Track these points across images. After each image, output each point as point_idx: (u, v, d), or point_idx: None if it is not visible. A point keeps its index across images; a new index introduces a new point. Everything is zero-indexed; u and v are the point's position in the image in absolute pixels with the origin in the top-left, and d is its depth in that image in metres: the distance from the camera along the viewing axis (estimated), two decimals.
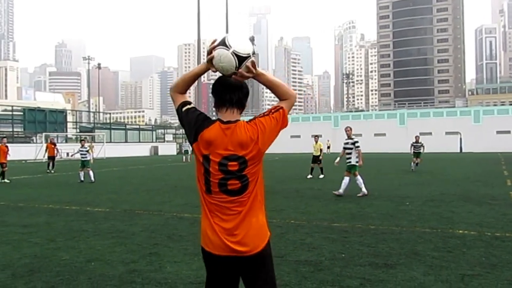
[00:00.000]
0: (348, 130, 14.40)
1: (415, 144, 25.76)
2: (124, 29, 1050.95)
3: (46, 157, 29.91)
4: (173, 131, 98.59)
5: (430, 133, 69.34)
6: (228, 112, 2.75)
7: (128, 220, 9.97)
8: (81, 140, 23.34)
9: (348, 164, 13.95)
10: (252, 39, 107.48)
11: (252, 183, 2.69)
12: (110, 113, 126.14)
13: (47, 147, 29.99)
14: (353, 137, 14.24)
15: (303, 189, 15.88)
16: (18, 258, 6.68)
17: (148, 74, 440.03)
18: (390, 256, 6.47)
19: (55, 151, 28.67)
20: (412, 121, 71.55)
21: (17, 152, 47.91)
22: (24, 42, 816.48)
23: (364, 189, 13.76)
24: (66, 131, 67.56)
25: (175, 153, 75.07)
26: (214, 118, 2.80)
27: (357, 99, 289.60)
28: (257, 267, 2.75)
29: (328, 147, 62.45)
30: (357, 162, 13.90)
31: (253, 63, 2.66)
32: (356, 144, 14.00)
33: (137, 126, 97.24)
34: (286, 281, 5.40)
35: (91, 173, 20.21)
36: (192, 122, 2.73)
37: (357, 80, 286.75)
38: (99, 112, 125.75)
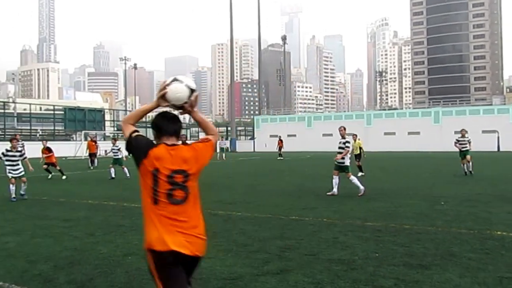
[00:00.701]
0: (341, 130, 14.38)
1: (460, 140, 21.65)
2: (159, 30, 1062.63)
3: (87, 154, 30.68)
4: None
5: (467, 132, 67.83)
6: (170, 140, 3.27)
7: None
8: (112, 139, 24.02)
9: (341, 164, 13.85)
10: (283, 38, 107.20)
11: (192, 195, 3.25)
12: None
13: (88, 145, 30.77)
14: (346, 137, 14.09)
15: None
16: (60, 250, 6.83)
17: (182, 74, 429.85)
18: (425, 256, 6.36)
19: (96, 148, 29.58)
20: (447, 119, 70.17)
21: (58, 149, 48.97)
22: (65, 45, 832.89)
23: (362, 187, 13.60)
24: (104, 129, 68.75)
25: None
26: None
27: (391, 97, 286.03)
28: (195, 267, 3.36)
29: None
30: (350, 162, 13.93)
31: (196, 97, 3.33)
32: (346, 144, 13.91)
33: None
34: (318, 279, 5.37)
35: (125, 170, 20.57)
36: (143, 144, 3.22)
37: (390, 78, 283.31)
38: None
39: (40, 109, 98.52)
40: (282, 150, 43.69)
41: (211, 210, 10.88)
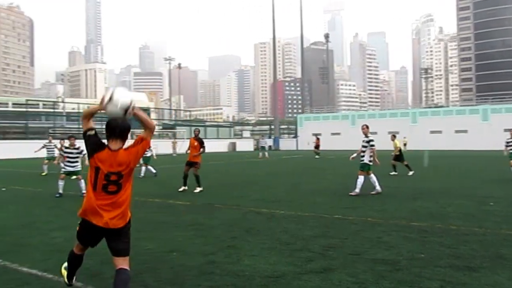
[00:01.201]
0: (364, 128, 13.92)
1: (509, 141, 19.27)
2: (202, 30, 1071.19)
3: None
4: (250, 127, 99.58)
5: None
6: (115, 142, 4.29)
7: (208, 213, 10.17)
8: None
9: (361, 162, 13.56)
10: (326, 36, 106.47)
11: (124, 188, 4.28)
12: (190, 111, 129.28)
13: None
14: (369, 135, 13.74)
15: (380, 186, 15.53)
16: (106, 246, 6.97)
17: (225, 73, 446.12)
18: (472, 258, 6.19)
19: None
20: (496, 117, 68.17)
21: None
22: (111, 46, 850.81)
23: (378, 187, 13.42)
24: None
25: (252, 149, 75.74)
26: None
27: (436, 95, 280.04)
28: (119, 236, 4.39)
29: (405, 144, 60.90)
30: (370, 161, 13.49)
31: (133, 108, 4.38)
32: (371, 143, 13.54)
33: (216, 123, 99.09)
34: (362, 279, 5.31)
35: (150, 168, 21.46)
36: (93, 145, 4.25)
37: (436, 75, 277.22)
38: (180, 109, 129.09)
39: (88, 108, 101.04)
40: (320, 148, 43.44)
41: (254, 208, 10.92)
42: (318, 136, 45.98)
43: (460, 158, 36.33)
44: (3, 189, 15.39)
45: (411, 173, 21.04)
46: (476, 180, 18.14)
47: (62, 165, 14.14)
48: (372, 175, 13.56)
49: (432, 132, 69.76)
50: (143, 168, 21.49)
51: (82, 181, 13.59)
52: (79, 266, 4.80)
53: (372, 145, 13.51)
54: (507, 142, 19.33)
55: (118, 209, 4.26)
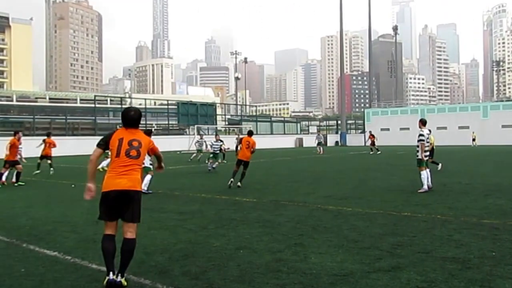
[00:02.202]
0: (419, 123, 13.69)
1: None
2: (268, 23, 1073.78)
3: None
4: (317, 123, 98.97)
5: None
6: (131, 128, 5.31)
7: (274, 210, 10.25)
8: (215, 135, 25.99)
9: (416, 158, 13.40)
10: (395, 29, 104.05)
11: (141, 157, 5.28)
12: (256, 106, 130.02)
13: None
14: (422, 130, 13.37)
15: (451, 183, 15.14)
16: (174, 243, 7.19)
17: (292, 67, 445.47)
18: None
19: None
20: None
21: (172, 143, 51.20)
22: (177, 40, 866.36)
23: (425, 186, 13.02)
24: (216, 124, 70.71)
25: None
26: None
27: (509, 88, 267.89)
28: (132, 202, 5.14)
29: (474, 140, 58.74)
30: (424, 156, 13.19)
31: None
32: (419, 138, 13.24)
33: (282, 118, 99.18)
34: (432, 278, 5.24)
35: (215, 164, 22.21)
36: (104, 137, 5.32)
37: (508, 68, 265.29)
38: (246, 104, 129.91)
39: (155, 103, 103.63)
40: (376, 144, 42.13)
41: (321, 205, 10.92)
42: (373, 133, 44.58)
43: None
44: (73, 186, 16.09)
45: (439, 167, 20.53)
46: None
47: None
48: (424, 172, 13.17)
49: (504, 126, 66.86)
50: (210, 163, 22.19)
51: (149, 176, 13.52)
52: (114, 253, 5.04)
53: (419, 140, 13.21)
54: None
55: (136, 173, 5.20)
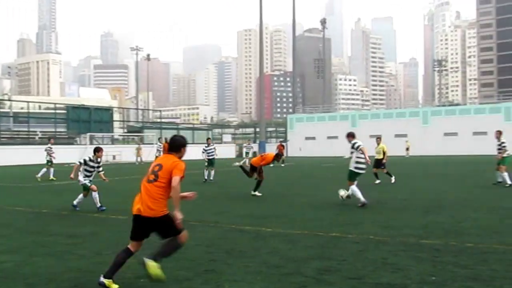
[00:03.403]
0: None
1: (497, 144, 20.45)
2: (175, 15, 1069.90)
3: (138, 159, 32.02)
4: (232, 130, 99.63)
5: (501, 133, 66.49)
6: (171, 153, 6.51)
7: None
8: (207, 139, 29.16)
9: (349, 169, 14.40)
10: (323, 22, 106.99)
11: (159, 180, 6.25)
12: (160, 111, 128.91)
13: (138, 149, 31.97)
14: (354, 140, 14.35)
15: (385, 199, 15.68)
16: (62, 271, 6.98)
17: (203, 66, 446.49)
18: (492, 280, 6.29)
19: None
20: None
21: (59, 154, 49.63)
22: (67, 33, 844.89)
23: (362, 198, 13.75)
24: (113, 131, 69.49)
25: (234, 156, 75.72)
26: None
27: (452, 91, 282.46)
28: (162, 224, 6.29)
29: (407, 149, 61.16)
30: (355, 168, 14.18)
31: None
32: (356, 145, 14.20)
33: (191, 125, 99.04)
34: None
35: (212, 172, 25.68)
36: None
37: (451, 68, 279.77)
38: (148, 109, 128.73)
39: (39, 107, 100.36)
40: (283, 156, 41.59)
41: (236, 225, 10.96)
42: (283, 144, 44.38)
43: (479, 165, 36.67)
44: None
45: (393, 180, 22.20)
46: (497, 189, 18.37)
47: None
48: (354, 186, 14.01)
49: (446, 134, 70.37)
50: (206, 171, 25.93)
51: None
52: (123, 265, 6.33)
53: (359, 146, 14.04)
54: (500, 144, 20.14)
55: (150, 198, 6.20)
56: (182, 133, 76.40)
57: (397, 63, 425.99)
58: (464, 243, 8.64)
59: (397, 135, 69.38)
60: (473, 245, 8.46)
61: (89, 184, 14.11)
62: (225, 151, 76.65)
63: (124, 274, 6.84)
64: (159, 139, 34.61)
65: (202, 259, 7.68)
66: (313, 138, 76.64)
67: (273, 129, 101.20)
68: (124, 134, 73.41)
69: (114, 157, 58.10)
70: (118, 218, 12.30)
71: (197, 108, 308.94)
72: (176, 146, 6.54)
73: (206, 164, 26.21)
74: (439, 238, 9.16)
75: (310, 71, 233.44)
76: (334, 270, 6.88)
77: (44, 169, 27.75)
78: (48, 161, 28.31)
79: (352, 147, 14.13)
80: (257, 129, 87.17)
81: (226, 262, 7.49)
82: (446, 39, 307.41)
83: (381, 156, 23.05)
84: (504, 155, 19.90)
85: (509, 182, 19.38)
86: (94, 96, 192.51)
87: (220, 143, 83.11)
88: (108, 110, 70.49)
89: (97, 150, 14.44)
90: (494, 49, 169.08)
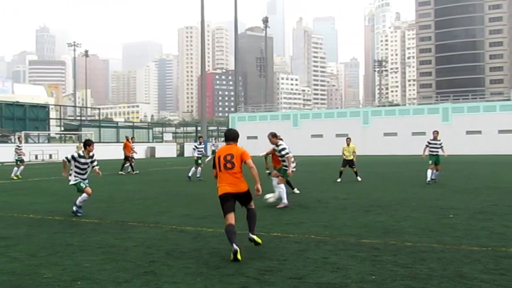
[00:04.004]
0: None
1: (432, 143, 21.83)
2: (115, 11, 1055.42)
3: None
4: (173, 129, 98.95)
5: (480, 132, 68.89)
6: (230, 143, 8.44)
7: (121, 233, 10.09)
8: (199, 137, 29.19)
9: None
10: (265, 21, 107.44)
11: (236, 167, 8.18)
12: (99, 108, 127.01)
13: (125, 145, 31.73)
14: (278, 145, 14.65)
15: (326, 199, 15.86)
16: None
17: (143, 63, 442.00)
18: (430, 279, 6.43)
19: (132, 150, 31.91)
20: (458, 117, 71.12)
21: None
22: (0, 27, 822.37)
23: (285, 200, 14.06)
24: (49, 129, 68.08)
25: (175, 155, 75.29)
26: None
27: (392, 91, 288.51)
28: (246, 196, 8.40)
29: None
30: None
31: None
32: (283, 152, 14.48)
33: (131, 124, 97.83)
34: None
35: (199, 169, 25.69)
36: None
37: (391, 69, 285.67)
38: (86, 107, 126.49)
39: None
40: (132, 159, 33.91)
41: (177, 226, 10.89)
42: (129, 139, 34.55)
43: (417, 165, 37.50)
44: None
45: (359, 179, 22.97)
46: (435, 189, 18.81)
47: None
48: (282, 185, 14.37)
49: (386, 134, 71.87)
50: (193, 169, 25.69)
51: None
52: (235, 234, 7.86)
53: (287, 153, 14.35)
54: (429, 143, 21.86)
55: (237, 180, 8.19)
56: (122, 131, 75.48)
57: (338, 63, 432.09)
58: (403, 242, 8.82)
59: (338, 135, 70.35)
60: (412, 244, 8.65)
61: (83, 186, 12.64)
62: (166, 150, 76.22)
63: (61, 276, 6.72)
64: (130, 138, 34.15)
65: (142, 261, 7.59)
66: (255, 137, 76.88)
67: (215, 128, 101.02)
68: (61, 132, 71.93)
69: (50, 156, 56.98)
70: (54, 219, 12.06)
71: (137, 106, 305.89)
72: (235, 137, 8.45)
73: (196, 162, 25.78)
74: (379, 238, 9.31)
75: (252, 70, 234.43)
76: (275, 270, 6.91)
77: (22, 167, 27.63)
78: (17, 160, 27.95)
79: (279, 152, 14.35)
80: (199, 128, 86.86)
81: (166, 263, 7.43)
82: (386, 40, 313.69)
83: (351, 157, 23.40)
84: (434, 153, 21.52)
85: (429, 179, 21.14)
86: (30, 93, 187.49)
87: (161, 142, 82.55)
88: (44, 108, 69.01)
89: (88, 144, 12.86)
90: (433, 50, 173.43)
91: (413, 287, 6.07)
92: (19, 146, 28.49)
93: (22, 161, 27.92)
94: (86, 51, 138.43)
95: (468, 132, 68.84)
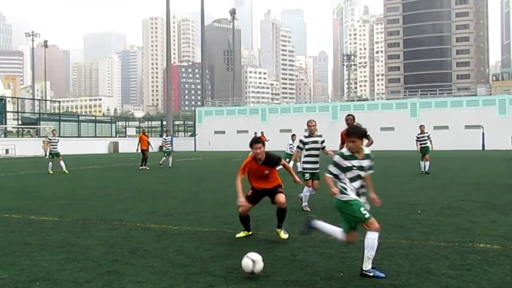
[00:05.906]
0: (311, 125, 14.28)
1: (420, 137, 25.31)
2: (76, 0, 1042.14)
3: (138, 150, 31.82)
4: (137, 123, 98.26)
5: (447, 127, 69.90)
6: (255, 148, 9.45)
7: (82, 231, 9.98)
8: (166, 131, 31.70)
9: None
10: (232, 13, 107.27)
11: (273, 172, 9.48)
12: (59, 101, 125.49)
13: (140, 139, 31.59)
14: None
15: (294, 196, 15.90)
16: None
17: (106, 54, 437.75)
18: (398, 275, 6.53)
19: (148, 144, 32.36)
20: (426, 112, 72.06)
21: None
22: None
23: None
24: (5, 123, 67.04)
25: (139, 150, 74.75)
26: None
27: (360, 86, 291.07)
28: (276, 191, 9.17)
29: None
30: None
31: None
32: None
33: (93, 118, 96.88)
34: None
35: (170, 159, 30.61)
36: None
37: (360, 63, 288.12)
38: (46, 99, 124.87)
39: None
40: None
41: (141, 223, 10.83)
42: (145, 132, 36.90)
43: (385, 160, 37.99)
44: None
45: None
46: (403, 185, 19.07)
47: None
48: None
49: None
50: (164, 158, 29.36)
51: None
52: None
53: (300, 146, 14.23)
54: (418, 138, 25.10)
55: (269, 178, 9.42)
56: (83, 125, 74.82)
57: (307, 57, 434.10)
58: None
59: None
60: (380, 241, 8.66)
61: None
62: (130, 145, 75.60)
63: (19, 277, 6.63)
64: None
65: (104, 260, 7.52)
66: (223, 132, 76.93)
67: (181, 122, 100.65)
68: (18, 126, 70.85)
69: (7, 151, 56.05)
70: (11, 217, 11.89)
71: (100, 100, 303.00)
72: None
73: (164, 153, 32.24)
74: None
75: (219, 63, 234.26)
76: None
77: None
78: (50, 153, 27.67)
79: (321, 144, 14.06)
80: (164, 122, 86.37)
81: (129, 262, 7.38)
82: (355, 34, 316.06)
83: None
84: (423, 146, 24.84)
85: (423, 169, 24.47)
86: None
87: (124, 136, 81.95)
88: (1, 100, 68.15)
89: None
90: (401, 45, 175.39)
91: (381, 283, 6.15)
92: (50, 139, 27.90)
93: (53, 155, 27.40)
94: (45, 41, 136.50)
95: (435, 127, 69.83)
